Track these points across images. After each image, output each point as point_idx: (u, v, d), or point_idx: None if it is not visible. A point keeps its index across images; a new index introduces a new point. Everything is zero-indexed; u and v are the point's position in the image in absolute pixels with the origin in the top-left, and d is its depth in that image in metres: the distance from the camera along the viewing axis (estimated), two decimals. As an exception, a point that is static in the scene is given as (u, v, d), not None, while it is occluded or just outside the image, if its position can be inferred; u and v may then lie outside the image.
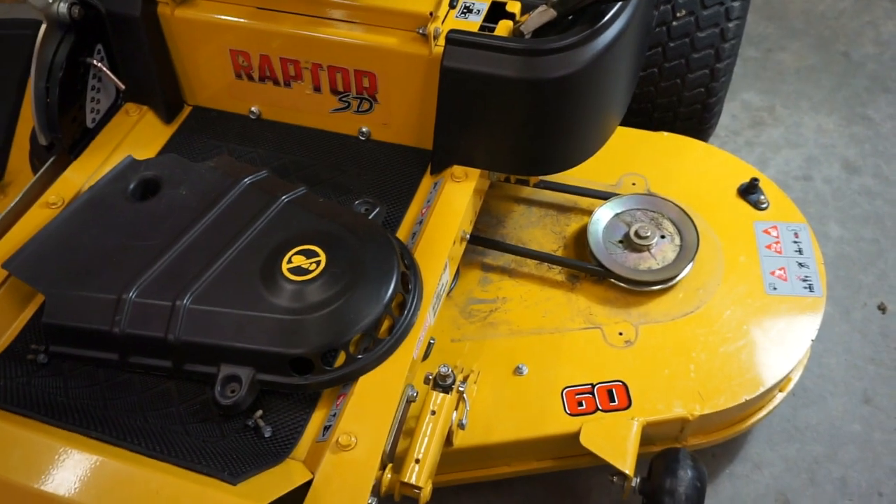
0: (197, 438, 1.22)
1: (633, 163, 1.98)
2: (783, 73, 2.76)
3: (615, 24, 1.49)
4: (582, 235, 1.81)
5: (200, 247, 1.37)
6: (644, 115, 2.16)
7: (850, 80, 2.71)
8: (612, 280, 1.73)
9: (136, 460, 1.14)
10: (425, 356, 1.47)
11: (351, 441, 1.19)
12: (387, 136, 1.68)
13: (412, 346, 1.32)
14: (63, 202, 1.53)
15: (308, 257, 1.32)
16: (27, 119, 1.90)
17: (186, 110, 1.78)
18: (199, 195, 1.46)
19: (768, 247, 1.81)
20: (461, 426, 1.42)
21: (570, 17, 1.52)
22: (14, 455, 1.13)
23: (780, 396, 1.72)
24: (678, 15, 1.98)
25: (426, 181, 1.62)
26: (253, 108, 1.75)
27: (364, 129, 1.69)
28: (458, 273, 1.77)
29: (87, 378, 1.31)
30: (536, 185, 1.88)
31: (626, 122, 1.98)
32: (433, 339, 1.49)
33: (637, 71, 1.77)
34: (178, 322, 1.27)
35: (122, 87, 1.71)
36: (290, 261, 1.32)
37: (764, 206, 1.88)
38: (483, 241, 1.81)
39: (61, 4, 1.51)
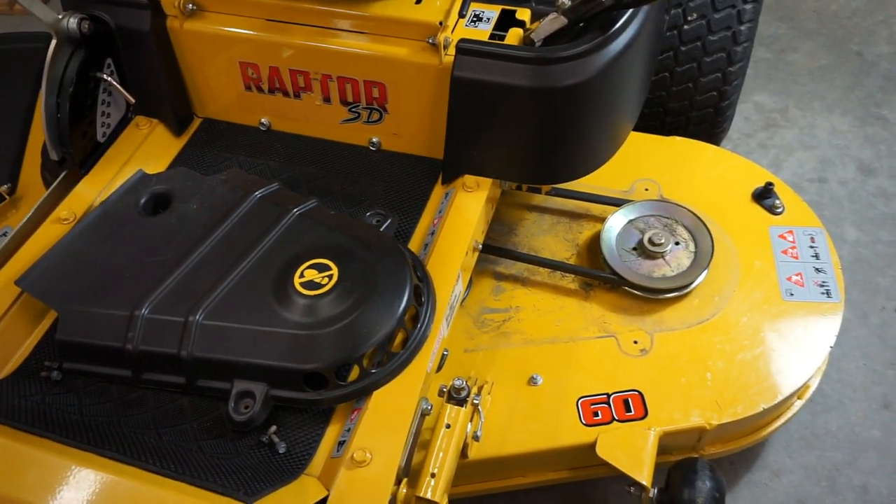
0: (211, 455, 1.22)
1: (646, 168, 1.96)
2: (796, 74, 2.73)
3: (627, 31, 1.47)
4: (595, 243, 1.79)
5: (212, 261, 1.37)
6: (656, 120, 2.14)
7: (864, 79, 2.69)
8: (626, 288, 1.72)
9: (151, 480, 1.13)
10: (439, 368, 1.46)
11: (366, 457, 1.18)
12: (397, 147, 1.68)
13: (426, 359, 1.31)
14: (75, 217, 1.53)
15: (320, 271, 1.31)
16: (38, 133, 1.91)
17: (196, 122, 1.78)
18: (211, 209, 1.46)
19: (784, 252, 1.78)
20: (476, 438, 1.41)
21: (580, 25, 1.50)
22: (30, 476, 1.12)
23: (798, 404, 1.70)
24: (689, 18, 1.96)
25: (437, 191, 1.61)
26: (263, 120, 1.74)
27: (374, 140, 1.68)
28: (470, 282, 1.76)
29: (100, 395, 1.30)
30: (548, 193, 1.87)
31: (637, 127, 1.96)
32: (447, 351, 1.49)
33: (649, 77, 1.76)
34: (191, 338, 1.26)
35: (132, 100, 1.71)
36: (302, 275, 1.31)
37: (779, 210, 1.86)
38: (495, 249, 1.79)
39: (71, 20, 1.52)
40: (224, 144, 1.73)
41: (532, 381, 1.60)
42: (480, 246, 1.62)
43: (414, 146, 1.66)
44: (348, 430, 1.24)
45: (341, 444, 1.22)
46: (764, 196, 1.87)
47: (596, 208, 1.89)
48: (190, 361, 1.26)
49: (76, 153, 1.61)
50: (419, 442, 1.30)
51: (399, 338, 1.31)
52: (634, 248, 1.76)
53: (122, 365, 1.30)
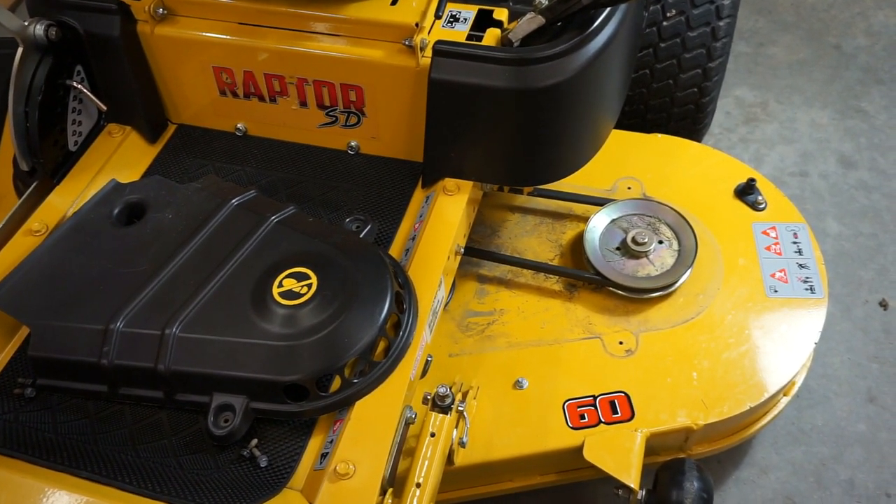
0: (190, 472, 1.19)
1: (628, 166, 1.95)
2: (775, 68, 2.73)
3: (605, 30, 1.46)
4: (578, 243, 1.78)
5: (188, 272, 1.34)
6: (637, 117, 2.13)
7: (842, 72, 2.69)
8: (611, 288, 1.71)
9: (128, 500, 1.11)
10: (423, 374, 1.44)
11: (349, 469, 1.16)
12: (376, 150, 1.65)
13: (409, 367, 1.29)
14: (47, 229, 1.49)
15: (299, 280, 1.29)
16: (9, 142, 1.86)
17: (171, 129, 1.75)
18: (186, 218, 1.43)
19: (768, 248, 1.78)
20: (462, 444, 1.39)
21: (558, 24, 1.48)
22: (1, 499, 1.09)
23: (784, 401, 1.69)
24: (668, 15, 1.95)
25: (418, 195, 1.58)
26: (239, 125, 1.71)
27: (353, 144, 1.66)
28: (453, 286, 1.74)
29: (76, 412, 1.27)
30: (531, 194, 1.85)
31: (619, 125, 1.95)
32: (430, 357, 1.46)
33: (629, 75, 1.74)
34: (168, 351, 1.23)
35: (104, 108, 1.67)
36: (280, 284, 1.28)
37: (762, 206, 1.85)
38: (478, 252, 1.78)
39: (38, 26, 1.48)
40: (199, 151, 1.70)
41: (518, 384, 1.59)
42: (463, 249, 1.60)
43: (393, 149, 1.64)
44: (331, 441, 1.21)
45: (324, 456, 1.20)
46: (746, 192, 1.87)
47: (579, 208, 1.88)
48: (167, 375, 1.23)
49: (47, 163, 1.57)
50: (404, 450, 1.28)
51: (381, 346, 1.29)
52: (618, 248, 1.75)
53: (98, 380, 1.27)
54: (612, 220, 1.79)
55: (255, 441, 1.22)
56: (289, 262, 1.31)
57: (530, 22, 1.47)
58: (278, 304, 1.26)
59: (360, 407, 1.24)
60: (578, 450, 1.48)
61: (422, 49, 1.47)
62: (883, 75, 2.66)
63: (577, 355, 1.63)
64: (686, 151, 2.00)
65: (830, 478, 1.79)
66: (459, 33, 1.52)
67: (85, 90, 1.62)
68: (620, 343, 1.64)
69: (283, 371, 1.21)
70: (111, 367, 1.25)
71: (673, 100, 2.07)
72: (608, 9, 1.46)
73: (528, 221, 1.88)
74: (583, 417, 1.53)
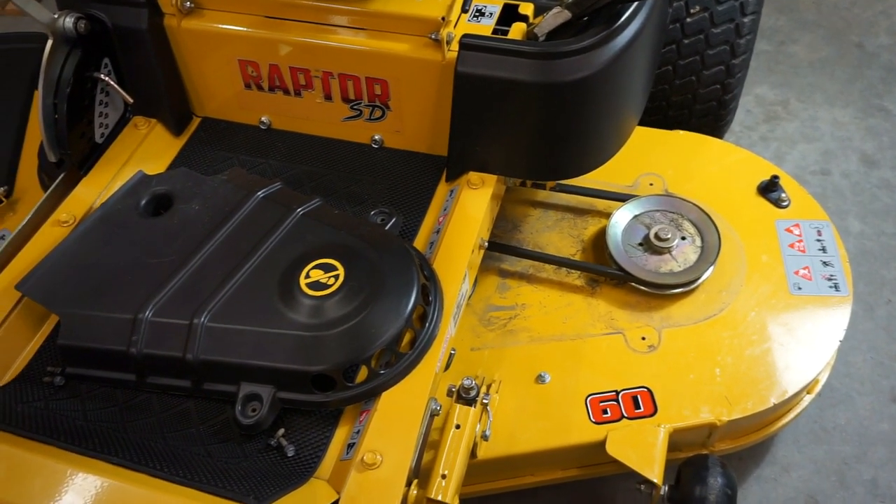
0: (219, 460, 1.20)
1: (650, 163, 1.95)
2: (797, 66, 2.72)
3: (632, 25, 1.46)
4: (600, 239, 1.78)
5: (216, 263, 1.35)
6: (659, 114, 2.12)
7: (864, 71, 2.67)
8: (633, 284, 1.70)
9: (159, 486, 1.12)
10: (446, 367, 1.44)
11: (376, 459, 1.16)
12: (400, 144, 1.66)
13: (435, 359, 1.29)
14: (75, 220, 1.50)
15: (326, 271, 1.30)
16: (34, 135, 1.88)
17: (195, 122, 1.76)
18: (213, 210, 1.44)
19: (791, 245, 1.77)
20: (485, 438, 1.40)
21: (584, 19, 1.48)
22: (35, 484, 1.11)
23: (807, 399, 1.68)
24: (692, 11, 1.95)
25: (442, 189, 1.59)
26: (263, 119, 1.72)
27: (377, 137, 1.66)
28: (476, 280, 1.74)
29: (104, 400, 1.28)
30: (553, 189, 1.85)
31: (641, 121, 1.94)
32: (454, 350, 1.47)
33: (653, 70, 1.74)
34: (197, 341, 1.25)
35: (130, 100, 1.68)
36: (307, 275, 1.29)
37: (785, 203, 1.84)
38: (500, 246, 1.78)
39: (67, 19, 1.49)
40: (224, 144, 1.71)
41: (540, 379, 1.58)
42: (486, 243, 1.60)
43: (417, 143, 1.64)
44: (357, 431, 1.22)
45: (350, 446, 1.21)
46: (769, 189, 1.86)
47: (600, 204, 1.88)
48: (195, 364, 1.24)
49: (74, 154, 1.58)
50: (429, 442, 1.29)
51: (407, 338, 1.29)
52: (640, 244, 1.75)
53: (126, 369, 1.28)
54: (635, 216, 1.79)
55: (282, 430, 1.22)
56: (316, 253, 1.32)
57: (557, 16, 1.47)
58: (306, 294, 1.27)
59: (387, 398, 1.24)
60: (601, 444, 1.48)
61: (448, 43, 1.47)
62: (906, 74, 2.65)
63: (600, 350, 1.62)
64: (708, 148, 1.99)
65: (853, 477, 1.78)
66: (485, 27, 1.52)
67: (112, 83, 1.64)
68: (643, 338, 1.63)
69: (310, 361, 1.22)
70: (140, 356, 1.26)
71: (695, 96, 2.06)
72: (635, 4, 1.45)
73: (550, 217, 1.88)
74: (605, 412, 1.53)
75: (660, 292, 1.69)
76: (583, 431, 1.51)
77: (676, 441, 1.55)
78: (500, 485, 1.60)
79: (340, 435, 1.24)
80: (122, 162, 1.64)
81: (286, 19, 1.57)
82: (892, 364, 1.95)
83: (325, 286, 1.27)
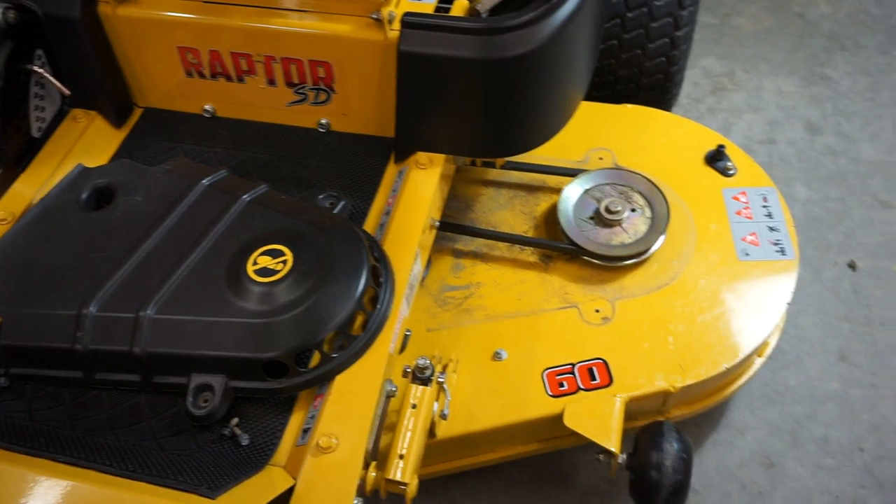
0: (171, 453, 1.18)
1: (599, 137, 1.96)
2: (741, 38, 2.75)
3: (572, -2, 1.46)
4: (552, 214, 1.79)
5: (161, 254, 1.32)
6: (607, 88, 2.14)
7: (807, 40, 2.72)
8: (586, 257, 1.72)
9: (109, 482, 1.10)
10: (402, 349, 1.44)
11: (332, 443, 1.16)
12: (347, 127, 1.64)
13: (388, 341, 1.29)
14: (13, 217, 1.46)
15: (274, 257, 1.28)
16: (-30, 131, 1.82)
17: (137, 113, 1.72)
18: (156, 200, 1.41)
19: (738, 213, 1.80)
20: (443, 417, 1.40)
21: (525, -6, 1.48)
22: (-22, 486, 1.08)
23: (759, 362, 1.72)
24: (635, -16, 1.96)
25: (391, 170, 1.58)
26: (207, 107, 1.69)
27: (323, 121, 1.64)
28: (429, 261, 1.74)
29: (51, 399, 1.25)
30: (503, 167, 1.85)
31: (589, 96, 1.95)
32: (409, 331, 1.46)
33: (597, 44, 1.75)
34: (143, 333, 1.22)
35: (67, 92, 1.63)
36: (255, 262, 1.27)
37: (731, 172, 1.87)
38: (453, 226, 1.78)
39: (-6, 10, 1.44)
40: (167, 134, 1.67)
41: (497, 356, 1.59)
42: (437, 223, 1.60)
43: (364, 125, 1.63)
44: (312, 416, 1.21)
45: (306, 431, 1.20)
46: (716, 159, 1.89)
47: (552, 180, 1.89)
48: (144, 358, 1.22)
49: (10, 150, 1.54)
50: (386, 424, 1.29)
51: (359, 320, 1.29)
52: (591, 218, 1.76)
53: (73, 366, 1.25)
54: (585, 191, 1.80)
55: (235, 420, 1.21)
56: (263, 239, 1.30)
57: (497, -8, 1.47)
58: (254, 281, 1.25)
59: (341, 381, 1.24)
60: (559, 417, 1.50)
61: (390, 22, 1.46)
62: (846, 42, 2.70)
63: (555, 325, 1.64)
64: (656, 121, 2.02)
65: (805, 435, 1.83)
66: (427, 6, 1.51)
67: (46, 74, 1.59)
68: (597, 311, 1.65)
69: (261, 348, 1.20)
70: (86, 352, 1.23)
71: (642, 70, 2.08)
72: (574, -23, 1.45)
73: (502, 195, 1.89)
74: (562, 385, 1.54)
75: (612, 264, 1.71)
76: (540, 405, 1.53)
77: (633, 410, 1.58)
78: (462, 463, 1.61)
79: (296, 421, 1.23)
80: (62, 156, 1.60)
81: (225, 3, 1.54)
82: (839, 325, 2.00)
83: (273, 272, 1.26)
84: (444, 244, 1.79)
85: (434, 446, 1.45)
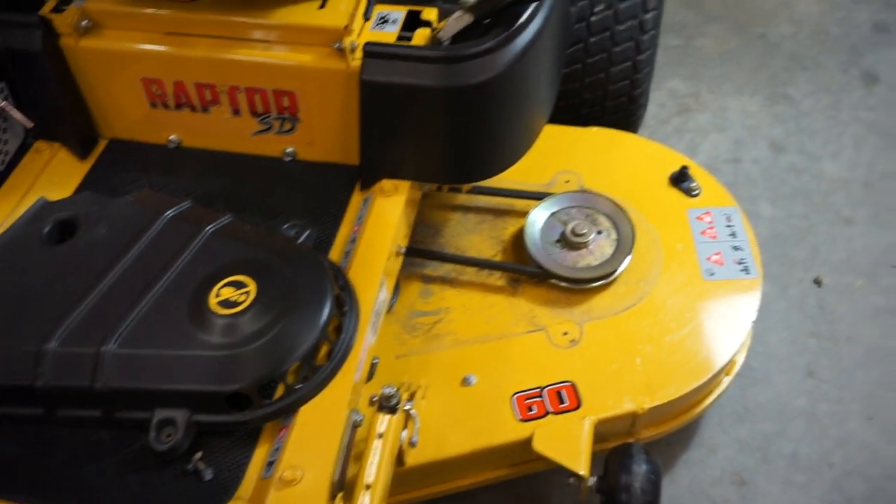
0: (135, 489, 1.17)
1: (566, 160, 1.98)
2: (705, 59, 2.81)
3: (532, 25, 1.48)
4: (520, 238, 1.80)
5: (124, 287, 1.31)
6: (572, 112, 2.16)
7: (769, 60, 2.78)
8: (553, 281, 1.73)
9: (68, 521, 1.08)
10: (370, 377, 1.44)
11: (296, 475, 1.15)
12: (313, 155, 1.64)
13: (353, 369, 1.29)
14: (-26, 252, 1.45)
15: (237, 288, 1.28)
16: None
17: (102, 144, 1.71)
18: (120, 233, 1.40)
19: (703, 233, 1.83)
20: (412, 444, 1.39)
21: (487, 21, 1.50)
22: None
23: (726, 380, 1.74)
24: (596, 10, 1.98)
25: (356, 198, 1.58)
26: (172, 137, 1.69)
27: (289, 150, 1.65)
28: (398, 287, 1.75)
29: (11, 437, 1.24)
30: (470, 192, 1.87)
31: (554, 119, 1.98)
32: (377, 359, 1.46)
33: (559, 69, 1.77)
34: (105, 369, 1.21)
35: (30, 124, 1.63)
36: (218, 294, 1.27)
37: (696, 192, 1.90)
38: (421, 252, 1.78)
39: (-46, 44, 1.44)
40: (133, 165, 1.67)
41: (466, 381, 1.60)
42: (404, 250, 1.61)
43: (330, 154, 1.63)
44: (277, 449, 1.21)
45: (271, 464, 1.19)
46: (680, 180, 1.91)
47: (519, 203, 1.90)
48: (106, 393, 1.21)
49: (-28, 184, 1.53)
50: (353, 454, 1.28)
51: (323, 350, 1.29)
52: (558, 241, 1.78)
53: (34, 403, 1.23)
54: (552, 214, 1.82)
55: (199, 454, 1.20)
56: (226, 270, 1.30)
57: (458, 20, 1.49)
58: (216, 314, 1.24)
59: (305, 412, 1.23)
60: (528, 442, 1.50)
61: (352, 51, 1.47)
62: (807, 62, 2.76)
63: (523, 349, 1.64)
64: (621, 143, 2.04)
65: (775, 452, 1.84)
66: (390, 35, 1.52)
67: (9, 107, 1.58)
68: (565, 334, 1.66)
69: (223, 381, 1.20)
70: (47, 388, 1.21)
71: (606, 93, 2.10)
72: (534, 4, 1.48)
73: (470, 219, 1.90)
74: (531, 409, 1.55)
75: (579, 287, 1.72)
76: (510, 430, 1.53)
77: (603, 432, 1.58)
78: (434, 490, 1.60)
79: (260, 453, 1.22)
80: (25, 189, 1.59)
81: (187, 35, 1.55)
82: (806, 341, 2.03)
83: (236, 304, 1.25)
84: (412, 270, 1.79)
85: (404, 474, 1.44)
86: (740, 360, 1.77)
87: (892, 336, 2.02)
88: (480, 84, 1.43)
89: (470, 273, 1.79)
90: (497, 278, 1.78)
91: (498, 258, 1.81)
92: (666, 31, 2.85)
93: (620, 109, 2.15)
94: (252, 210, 1.56)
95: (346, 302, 1.34)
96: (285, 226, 1.49)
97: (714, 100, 2.66)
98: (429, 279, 1.79)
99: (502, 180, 1.78)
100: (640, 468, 1.44)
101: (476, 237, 1.86)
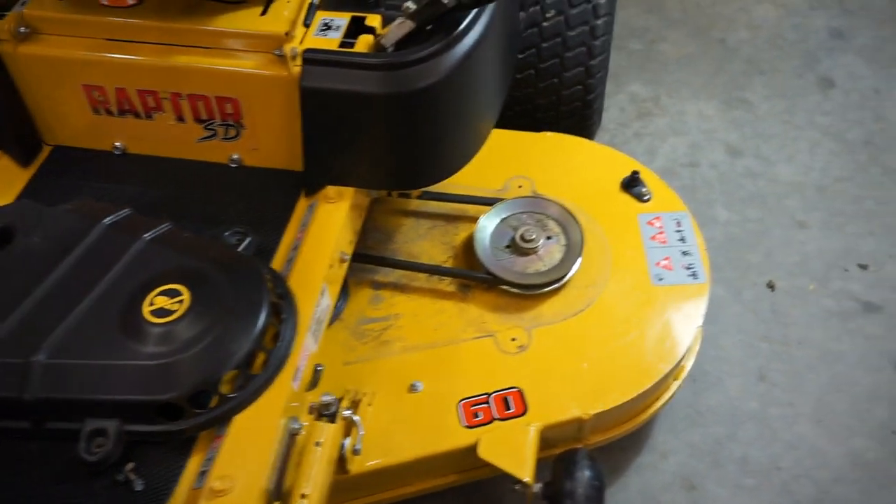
0: (62, 501, 1.15)
1: (519, 165, 1.98)
2: (665, 63, 2.82)
3: (474, 30, 1.48)
4: (470, 244, 1.79)
5: (57, 297, 1.29)
6: (527, 117, 2.17)
7: (727, 65, 2.80)
8: (503, 286, 1.73)
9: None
10: (314, 385, 1.42)
11: (226, 485, 1.14)
12: (258, 162, 1.63)
13: (289, 378, 1.28)
14: None
15: (171, 297, 1.26)
16: None
17: (46, 151, 1.69)
18: (55, 242, 1.38)
19: (653, 238, 1.83)
20: (356, 452, 1.39)
21: (429, 28, 1.50)
22: None
23: (675, 385, 1.74)
24: (548, 16, 2.00)
25: (301, 204, 1.57)
26: (117, 144, 1.67)
27: (234, 156, 1.64)
28: (348, 294, 1.74)
29: (-62, 450, 1.22)
30: (421, 197, 1.86)
31: (509, 125, 1.99)
32: (320, 366, 1.45)
33: (506, 73, 1.77)
34: (34, 379, 1.19)
35: (-30, 132, 1.61)
36: (151, 303, 1.26)
37: (646, 197, 1.91)
38: (371, 258, 1.78)
39: None
40: (76, 173, 1.65)
41: (413, 388, 1.59)
42: (348, 257, 1.60)
43: (275, 160, 1.62)
44: (210, 459, 1.19)
45: (203, 474, 1.18)
46: (631, 185, 1.92)
47: (472, 209, 1.90)
48: (34, 404, 1.19)
49: None
50: (294, 463, 1.27)
51: (260, 358, 1.27)
52: (508, 246, 1.78)
53: (-39, 415, 1.22)
54: (502, 220, 1.82)
55: (131, 465, 1.18)
56: (160, 279, 1.28)
57: (400, 27, 1.48)
58: (149, 322, 1.23)
59: (239, 421, 1.22)
60: (474, 448, 1.49)
61: (293, 58, 1.46)
62: (764, 66, 2.78)
63: (471, 355, 1.64)
64: (574, 148, 2.05)
65: (726, 456, 1.85)
66: (332, 41, 1.51)
67: (-54, 115, 1.56)
68: (513, 340, 1.66)
69: (155, 390, 1.18)
70: (-26, 400, 1.20)
71: (560, 98, 2.11)
72: (474, 10, 1.48)
73: (422, 225, 1.89)
74: (477, 416, 1.54)
75: (529, 292, 1.72)
76: (456, 437, 1.52)
77: (550, 438, 1.58)
78: (380, 497, 1.59)
79: (194, 464, 1.20)
80: (-36, 198, 1.57)
81: (128, 41, 1.53)
82: (759, 345, 2.04)
83: (170, 312, 1.24)
84: (363, 276, 1.78)
85: (349, 481, 1.44)
86: (689, 365, 1.77)
87: (843, 340, 2.04)
88: (422, 90, 1.43)
89: (421, 279, 1.78)
90: (448, 284, 1.77)
91: (449, 264, 1.81)
92: (628, 36, 2.89)
93: (575, 114, 2.16)
94: (196, 217, 1.55)
95: (284, 310, 1.33)
96: (227, 233, 1.48)
97: (673, 104, 2.68)
98: (379, 285, 1.78)
99: (454, 185, 1.78)
100: (584, 474, 1.44)
101: (427, 243, 1.85)
